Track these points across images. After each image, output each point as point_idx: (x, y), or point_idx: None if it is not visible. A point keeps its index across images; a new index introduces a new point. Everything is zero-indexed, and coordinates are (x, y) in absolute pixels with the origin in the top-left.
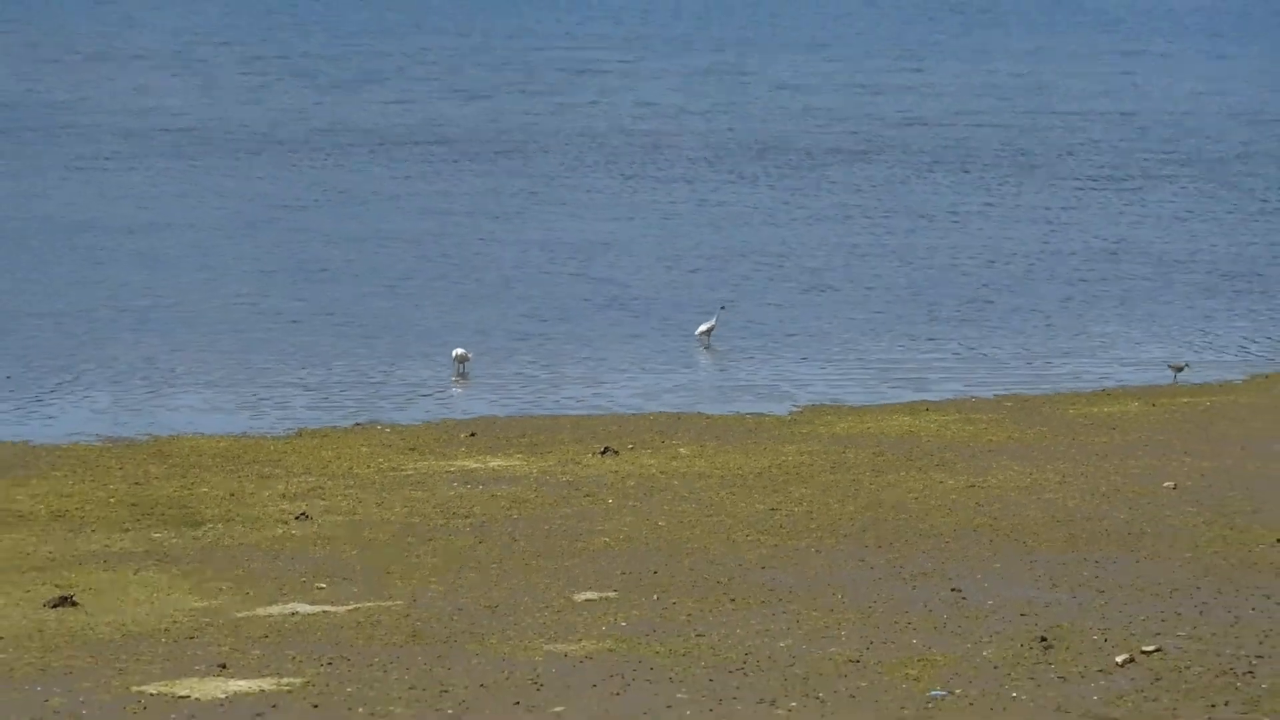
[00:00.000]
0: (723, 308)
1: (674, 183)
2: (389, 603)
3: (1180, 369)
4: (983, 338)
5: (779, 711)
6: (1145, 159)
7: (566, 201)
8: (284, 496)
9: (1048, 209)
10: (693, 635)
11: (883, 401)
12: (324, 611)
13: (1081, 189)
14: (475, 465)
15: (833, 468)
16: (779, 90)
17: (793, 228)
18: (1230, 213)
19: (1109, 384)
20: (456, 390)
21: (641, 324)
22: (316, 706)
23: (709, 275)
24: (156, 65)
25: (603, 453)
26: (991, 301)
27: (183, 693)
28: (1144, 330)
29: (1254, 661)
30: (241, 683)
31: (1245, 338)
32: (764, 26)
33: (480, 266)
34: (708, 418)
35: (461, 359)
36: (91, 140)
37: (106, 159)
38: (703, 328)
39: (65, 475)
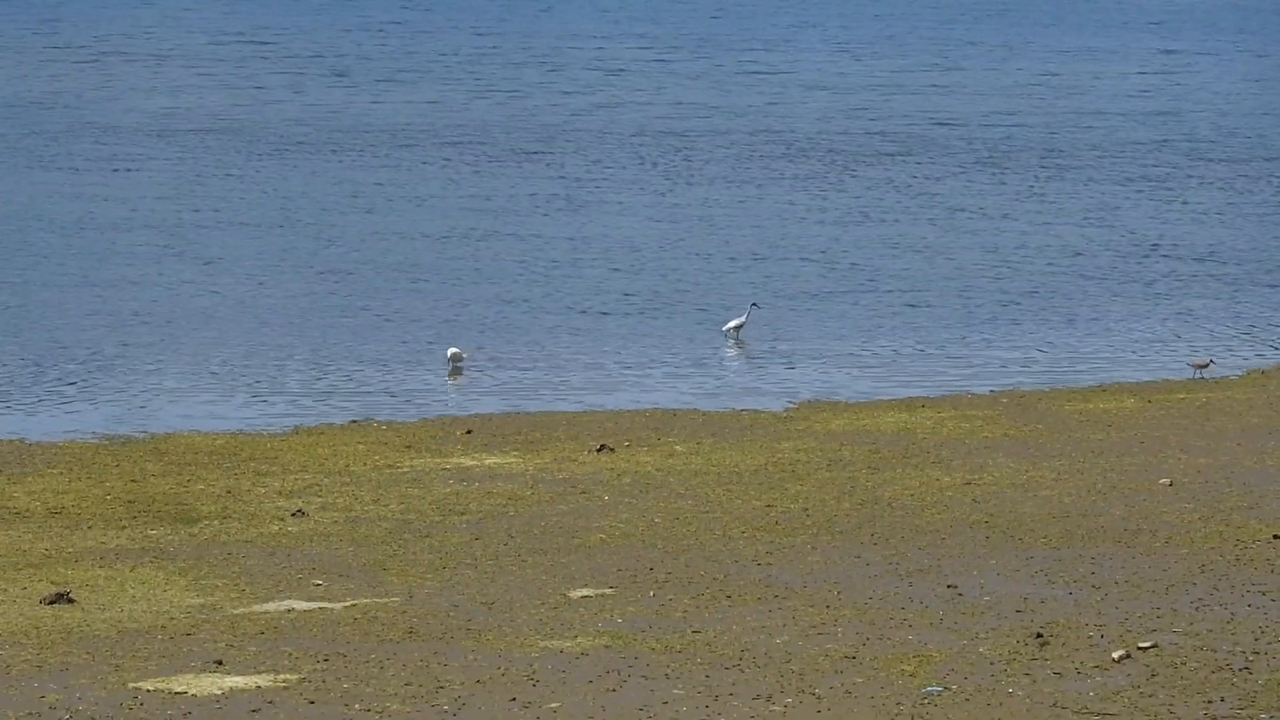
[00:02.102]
0: (755, 305)
1: (702, 183)
2: (385, 599)
3: (1204, 366)
4: (982, 334)
5: (775, 707)
6: (1181, 158)
7: (594, 201)
8: (280, 494)
9: (1077, 208)
10: (689, 632)
11: (879, 398)
12: (320, 608)
13: (1115, 187)
14: (471, 463)
15: (829, 464)
16: (814, 90)
17: (818, 227)
18: (1259, 211)
19: (1106, 380)
20: (452, 388)
21: (644, 322)
22: (312, 703)
23: (726, 274)
24: (191, 65)
25: (599, 450)
26: (996, 298)
27: (179, 689)
28: (1146, 327)
29: (1250, 657)
30: (238, 679)
31: (1244, 333)
32: (798, 26)
33: (496, 265)
34: (704, 414)
35: (456, 358)
36: (122, 140)
37: (134, 158)
38: (731, 324)
39: (62, 473)
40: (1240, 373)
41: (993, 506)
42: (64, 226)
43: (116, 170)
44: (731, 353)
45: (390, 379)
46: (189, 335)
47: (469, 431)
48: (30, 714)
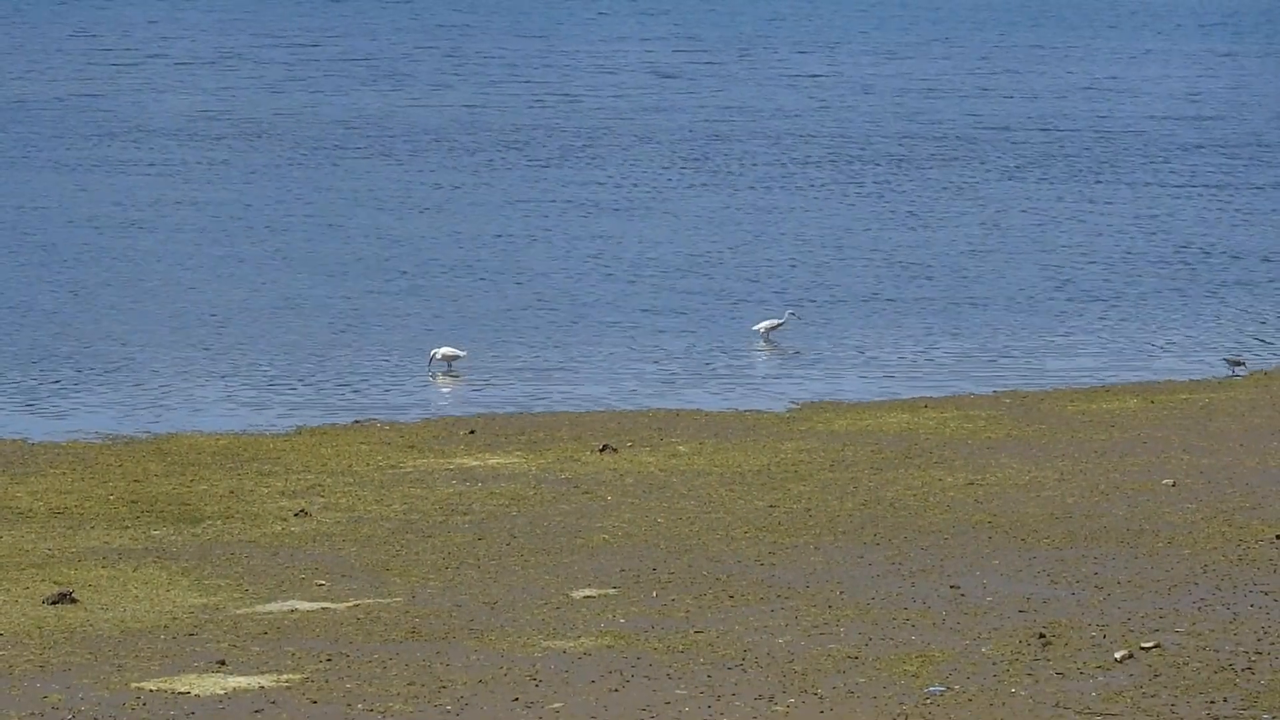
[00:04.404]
0: (792, 312)
1: (744, 187)
2: (388, 599)
3: (1237, 363)
4: (983, 334)
5: (777, 708)
6: (1230, 160)
7: (632, 204)
8: (283, 494)
9: (1119, 211)
10: (691, 632)
11: (881, 398)
12: (323, 608)
13: (1160, 190)
14: (474, 463)
15: (831, 465)
16: (865, 94)
17: (849, 229)
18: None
19: (1108, 380)
20: (455, 388)
21: (649, 322)
22: (315, 703)
23: (751, 277)
24: (225, 67)
25: (601, 450)
26: (1000, 299)
27: (182, 689)
28: (1148, 327)
29: (1253, 658)
30: (240, 679)
31: (1247, 334)
32: (847, 29)
33: (513, 267)
34: (706, 415)
35: (449, 358)
36: (151, 141)
37: (157, 161)
38: (764, 324)
39: (65, 472)
40: (1243, 373)
41: (995, 507)
42: (75, 226)
43: (137, 172)
44: (761, 353)
45: (393, 379)
46: (192, 335)
47: (472, 432)
48: (33, 714)
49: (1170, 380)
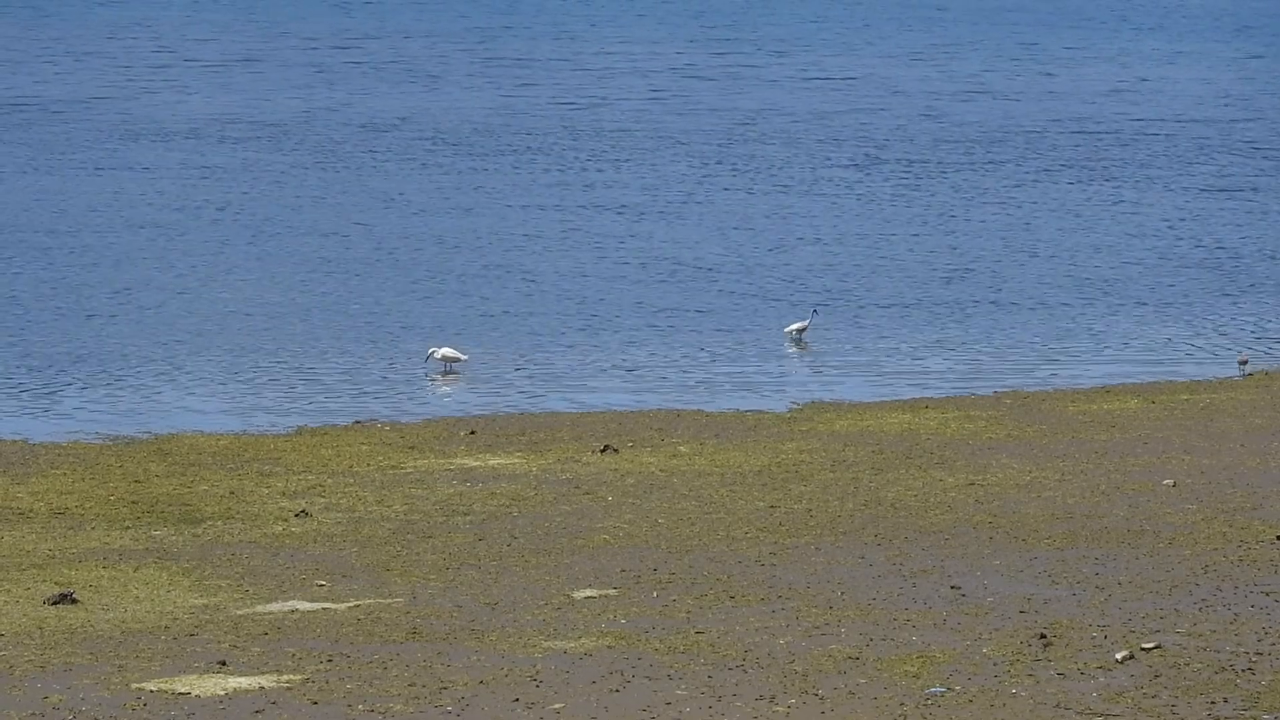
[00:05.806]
0: (816, 310)
1: (763, 191)
2: (388, 600)
3: (1244, 362)
4: (984, 335)
5: (778, 708)
6: (1260, 163)
7: (654, 206)
8: (284, 494)
9: (1132, 212)
10: (692, 632)
11: (882, 399)
12: (324, 608)
13: (1181, 192)
14: (475, 463)
15: (832, 465)
16: (894, 95)
17: (865, 235)
18: None
19: (1109, 381)
20: (456, 388)
21: (658, 322)
22: (316, 703)
23: (757, 279)
24: (253, 70)
25: (602, 450)
26: (1007, 301)
27: (182, 689)
28: (1148, 327)
29: (1254, 658)
30: (241, 680)
31: (1250, 334)
32: (876, 31)
33: (531, 268)
34: (707, 415)
35: (448, 359)
36: (164, 143)
37: (165, 162)
38: (794, 326)
39: (66, 473)
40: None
41: (996, 507)
42: (86, 229)
43: (150, 177)
44: (791, 355)
45: (394, 379)
46: (193, 336)
47: (472, 432)
48: (33, 714)
49: (1171, 380)
